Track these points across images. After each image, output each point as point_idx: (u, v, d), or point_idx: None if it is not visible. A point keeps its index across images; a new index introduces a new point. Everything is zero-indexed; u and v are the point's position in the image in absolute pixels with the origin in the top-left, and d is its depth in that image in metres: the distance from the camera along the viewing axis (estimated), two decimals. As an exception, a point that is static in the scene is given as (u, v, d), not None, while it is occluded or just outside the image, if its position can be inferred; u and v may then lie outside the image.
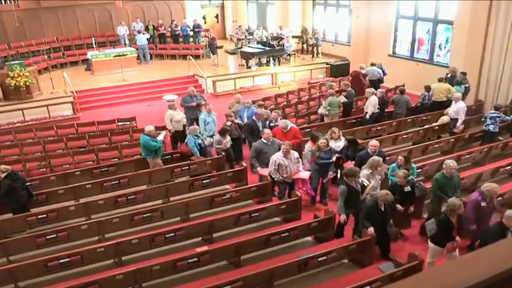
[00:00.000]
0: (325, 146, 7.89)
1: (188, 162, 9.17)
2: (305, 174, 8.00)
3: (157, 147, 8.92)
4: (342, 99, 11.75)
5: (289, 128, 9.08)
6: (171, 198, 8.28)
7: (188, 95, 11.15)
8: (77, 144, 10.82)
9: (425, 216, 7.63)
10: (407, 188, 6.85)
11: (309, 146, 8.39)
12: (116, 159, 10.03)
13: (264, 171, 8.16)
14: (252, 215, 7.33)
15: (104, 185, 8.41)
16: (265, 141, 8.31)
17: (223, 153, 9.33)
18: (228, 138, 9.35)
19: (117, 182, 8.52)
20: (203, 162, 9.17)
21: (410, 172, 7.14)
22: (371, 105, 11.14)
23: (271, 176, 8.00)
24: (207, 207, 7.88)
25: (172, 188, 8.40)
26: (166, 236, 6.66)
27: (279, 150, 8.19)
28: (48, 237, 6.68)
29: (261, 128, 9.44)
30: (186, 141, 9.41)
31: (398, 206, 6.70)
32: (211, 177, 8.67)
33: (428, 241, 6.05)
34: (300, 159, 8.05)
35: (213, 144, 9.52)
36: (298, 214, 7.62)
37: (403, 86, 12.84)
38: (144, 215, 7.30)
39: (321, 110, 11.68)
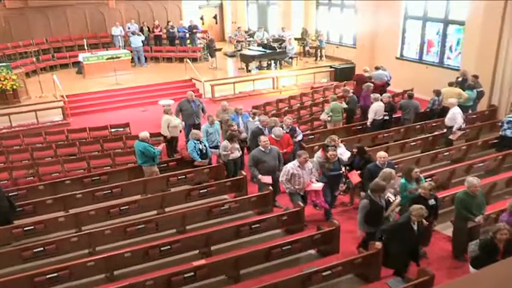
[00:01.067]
0: (334, 157, 7.81)
1: (185, 171, 9.17)
2: (318, 186, 7.80)
3: (156, 154, 8.95)
4: (344, 105, 11.78)
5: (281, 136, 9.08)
6: (167, 209, 8.27)
7: (186, 100, 11.18)
8: (67, 151, 10.82)
9: (436, 229, 7.62)
10: (432, 201, 6.60)
11: (318, 156, 8.28)
12: (109, 167, 10.02)
13: (267, 179, 8.13)
14: (252, 226, 7.31)
15: (95, 194, 8.40)
16: (263, 149, 8.16)
17: (222, 162, 9.30)
18: (237, 145, 9.29)
19: (110, 191, 8.52)
20: (200, 170, 9.16)
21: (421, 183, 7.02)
22: (372, 111, 11.13)
23: (272, 185, 7.97)
24: (204, 218, 7.86)
25: (168, 198, 8.39)
26: (162, 248, 6.64)
27: (278, 158, 8.22)
28: (35, 250, 6.65)
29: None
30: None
31: (424, 221, 6.34)
32: (209, 187, 8.67)
33: (469, 264, 5.84)
34: (312, 171, 7.88)
35: (219, 153, 9.44)
36: (301, 226, 7.61)
37: (412, 90, 12.87)
38: (138, 227, 7.28)
39: (323, 116, 11.71)
